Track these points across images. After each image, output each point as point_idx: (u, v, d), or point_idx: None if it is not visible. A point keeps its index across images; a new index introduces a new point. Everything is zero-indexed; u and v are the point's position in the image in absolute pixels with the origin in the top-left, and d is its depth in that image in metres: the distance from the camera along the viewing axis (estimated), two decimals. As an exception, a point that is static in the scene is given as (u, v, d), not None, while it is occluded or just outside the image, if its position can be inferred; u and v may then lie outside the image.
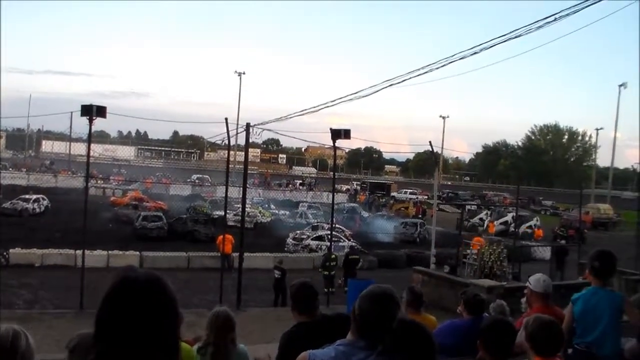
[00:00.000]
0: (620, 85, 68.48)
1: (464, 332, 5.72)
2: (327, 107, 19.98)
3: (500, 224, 46.69)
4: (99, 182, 53.56)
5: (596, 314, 5.51)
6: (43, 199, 40.91)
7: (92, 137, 18.08)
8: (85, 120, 16.62)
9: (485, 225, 48.15)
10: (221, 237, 22.59)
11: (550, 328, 4.09)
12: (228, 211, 21.99)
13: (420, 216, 52.65)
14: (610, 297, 5.58)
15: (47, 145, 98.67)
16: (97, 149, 61.41)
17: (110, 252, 25.53)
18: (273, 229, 37.68)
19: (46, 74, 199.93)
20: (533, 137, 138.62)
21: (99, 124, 17.26)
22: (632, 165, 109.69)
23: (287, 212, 46.96)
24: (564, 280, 23.38)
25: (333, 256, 22.93)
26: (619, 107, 69.88)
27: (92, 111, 16.43)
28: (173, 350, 1.83)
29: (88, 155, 18.25)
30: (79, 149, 58.28)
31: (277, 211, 47.41)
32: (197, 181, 67.94)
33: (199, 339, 5.35)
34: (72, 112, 46.43)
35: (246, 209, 40.97)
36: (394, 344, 3.10)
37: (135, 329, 1.72)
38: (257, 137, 21.95)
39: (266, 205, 49.44)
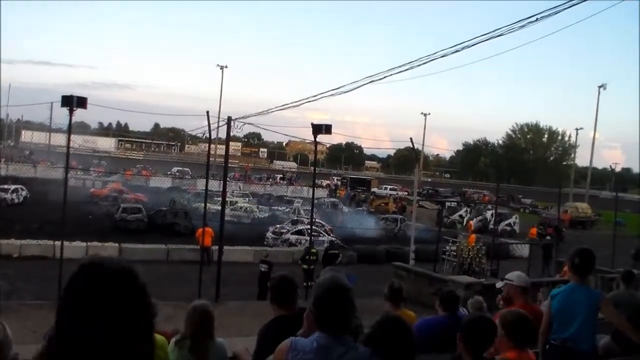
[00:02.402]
0: (599, 87, 69.18)
1: (437, 328, 5.76)
2: (309, 102, 19.90)
3: (479, 221, 46.95)
4: (78, 173, 53.00)
5: (573, 310, 5.56)
6: (22, 189, 40.59)
7: (73, 128, 17.89)
8: (65, 110, 16.45)
9: (464, 223, 48.39)
10: (201, 230, 22.51)
11: (525, 321, 4.16)
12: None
13: (399, 212, 52.75)
14: (588, 294, 5.64)
15: (26, 136, 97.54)
16: (77, 140, 60.84)
17: (89, 243, 25.43)
18: (269, 225, 37.13)
19: (27, 63, 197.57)
20: (514, 136, 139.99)
21: (79, 114, 17.08)
22: (610, 165, 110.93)
23: (285, 208, 46.85)
24: (550, 275, 23.64)
25: (313, 250, 22.94)
26: (598, 108, 70.58)
27: (72, 102, 16.22)
28: (145, 346, 1.61)
29: (68, 146, 18.04)
30: (59, 139, 57.94)
31: (277, 207, 47.36)
32: (177, 174, 67.76)
33: (177, 331, 5.34)
34: (52, 103, 45.93)
35: (244, 204, 41.19)
36: (375, 337, 3.12)
37: (96, 321, 1.52)
38: (239, 130, 21.90)
39: (255, 201, 49.49)
